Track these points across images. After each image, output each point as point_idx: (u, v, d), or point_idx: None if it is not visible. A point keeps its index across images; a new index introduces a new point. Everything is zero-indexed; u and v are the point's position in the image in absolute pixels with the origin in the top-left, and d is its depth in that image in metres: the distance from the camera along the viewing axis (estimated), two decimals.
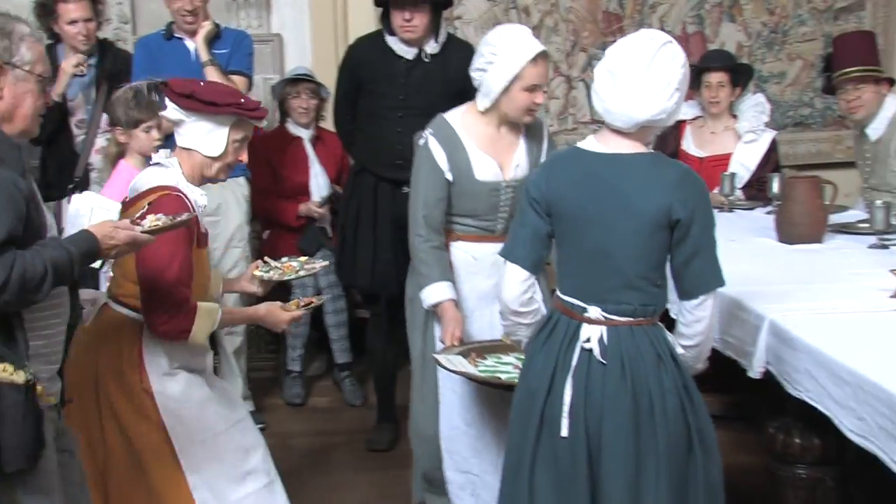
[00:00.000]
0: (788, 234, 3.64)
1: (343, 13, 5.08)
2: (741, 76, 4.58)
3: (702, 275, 2.37)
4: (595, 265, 2.38)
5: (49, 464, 2.20)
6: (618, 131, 2.39)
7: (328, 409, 4.65)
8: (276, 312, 2.92)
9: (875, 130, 4.17)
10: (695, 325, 2.42)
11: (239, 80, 4.08)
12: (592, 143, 2.45)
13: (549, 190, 2.42)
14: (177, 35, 4.18)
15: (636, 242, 2.35)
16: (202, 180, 2.81)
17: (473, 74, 3.18)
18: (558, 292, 2.47)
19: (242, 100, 2.82)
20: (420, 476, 3.44)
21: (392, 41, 3.88)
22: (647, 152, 2.42)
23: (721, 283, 2.40)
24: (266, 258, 3.11)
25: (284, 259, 3.12)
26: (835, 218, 3.90)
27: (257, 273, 3.02)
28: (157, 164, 2.79)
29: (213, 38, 4.14)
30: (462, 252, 3.28)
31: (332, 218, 4.66)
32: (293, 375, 4.71)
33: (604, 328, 2.37)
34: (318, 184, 4.68)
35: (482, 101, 3.18)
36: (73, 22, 4.09)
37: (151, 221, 2.39)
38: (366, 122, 4.03)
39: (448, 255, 3.26)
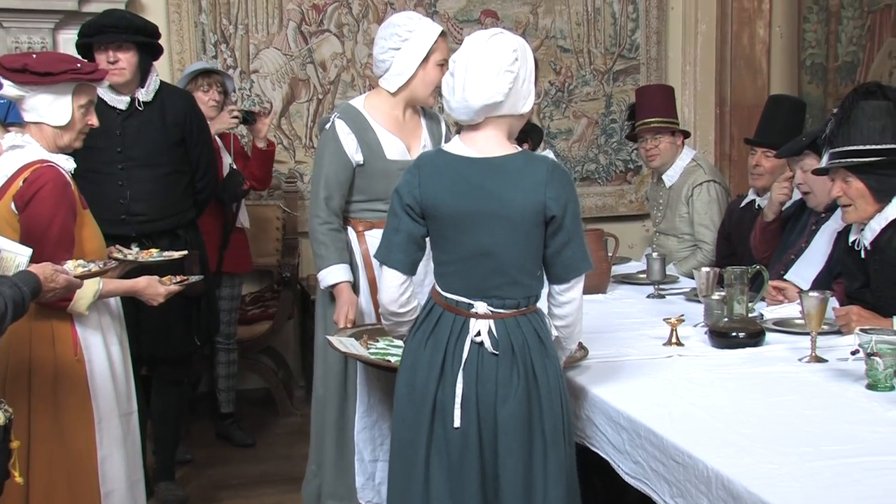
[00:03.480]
0: None
1: None
2: (532, 136, 4.77)
3: (573, 260, 2.44)
4: (477, 266, 2.42)
5: None
6: (474, 126, 2.44)
7: None
8: (156, 285, 2.98)
9: (670, 178, 4.47)
10: (566, 306, 2.49)
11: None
12: (459, 146, 2.48)
13: (422, 195, 2.43)
14: None
15: (515, 242, 2.40)
16: (57, 151, 2.80)
17: (383, 56, 3.25)
18: (438, 288, 2.49)
19: (79, 64, 2.80)
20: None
21: (101, 92, 3.73)
22: (516, 153, 2.46)
23: (590, 265, 2.48)
24: (119, 246, 3.09)
25: (136, 249, 3.16)
26: (618, 269, 4.11)
27: (117, 255, 3.00)
28: (12, 146, 2.76)
29: None
30: (377, 240, 3.26)
31: None
32: None
33: (491, 321, 2.42)
34: None
35: (394, 81, 3.26)
36: None
37: (74, 267, 2.53)
38: (84, 181, 3.70)
39: (346, 237, 3.29)
